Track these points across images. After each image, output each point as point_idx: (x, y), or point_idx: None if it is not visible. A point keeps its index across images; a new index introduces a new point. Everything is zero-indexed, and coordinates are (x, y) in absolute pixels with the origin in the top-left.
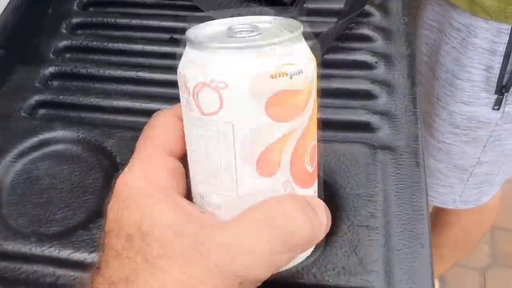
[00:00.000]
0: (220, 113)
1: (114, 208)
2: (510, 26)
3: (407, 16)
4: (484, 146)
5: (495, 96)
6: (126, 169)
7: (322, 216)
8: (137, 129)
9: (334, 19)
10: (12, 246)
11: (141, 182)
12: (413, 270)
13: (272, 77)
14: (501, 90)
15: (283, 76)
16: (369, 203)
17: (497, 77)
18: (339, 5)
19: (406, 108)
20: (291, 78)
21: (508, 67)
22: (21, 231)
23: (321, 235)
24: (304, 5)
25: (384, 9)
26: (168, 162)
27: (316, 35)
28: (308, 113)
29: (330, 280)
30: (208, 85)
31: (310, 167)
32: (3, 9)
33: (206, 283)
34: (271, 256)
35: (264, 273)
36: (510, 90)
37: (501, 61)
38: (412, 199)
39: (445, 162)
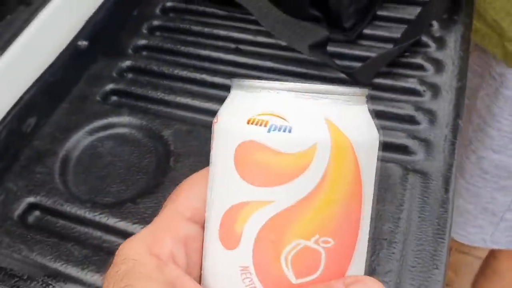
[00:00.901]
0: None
1: (110, 280)
2: None
3: (464, 51)
4: None
5: None
6: (133, 236)
7: None
8: (193, 124)
9: (390, 46)
10: (71, 208)
11: (140, 254)
12: (423, 286)
13: (248, 122)
14: None
15: (259, 124)
16: (392, 219)
17: None
18: (397, 34)
19: (445, 138)
20: (268, 131)
21: None
22: (79, 197)
23: None
24: (363, 31)
25: (441, 41)
26: (183, 229)
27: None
28: (301, 190)
29: None
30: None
31: (292, 274)
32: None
33: None
34: None
35: None
36: None
37: None
38: (435, 223)
39: (474, 204)
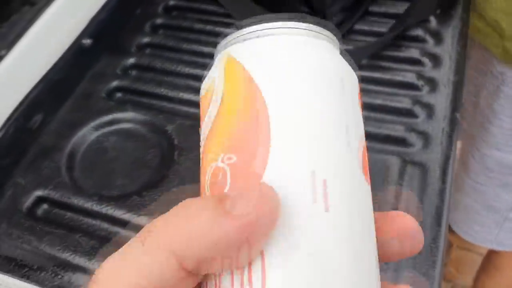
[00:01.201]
0: None
1: None
2: None
3: (461, 46)
4: None
5: None
6: (104, 262)
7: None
8: (195, 119)
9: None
10: (78, 201)
11: None
12: (421, 272)
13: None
14: None
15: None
16: (390, 209)
17: None
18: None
19: (443, 130)
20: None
21: None
22: (86, 191)
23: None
24: (354, 26)
25: (439, 36)
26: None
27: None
28: (210, 118)
29: None
30: None
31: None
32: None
33: None
34: None
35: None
36: None
37: None
38: (433, 212)
39: (479, 202)
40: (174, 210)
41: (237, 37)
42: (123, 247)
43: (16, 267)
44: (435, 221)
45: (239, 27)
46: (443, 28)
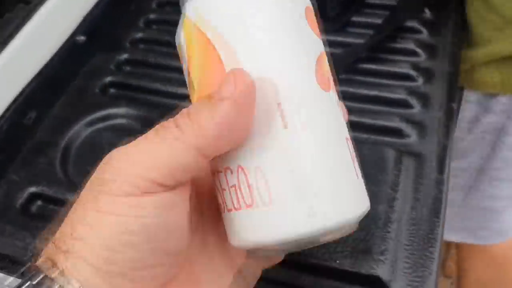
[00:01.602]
0: None
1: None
2: None
3: (456, 37)
4: None
5: None
6: (114, 150)
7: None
8: None
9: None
10: (72, 197)
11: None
12: (419, 264)
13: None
14: None
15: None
16: (387, 201)
17: None
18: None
19: (439, 120)
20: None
21: None
22: (81, 186)
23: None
24: (352, 19)
25: (433, 27)
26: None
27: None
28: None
29: (338, 261)
30: None
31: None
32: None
33: None
34: None
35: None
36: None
37: None
38: (430, 203)
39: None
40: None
41: None
42: (137, 139)
43: (10, 264)
44: (433, 212)
45: None
46: (438, 19)
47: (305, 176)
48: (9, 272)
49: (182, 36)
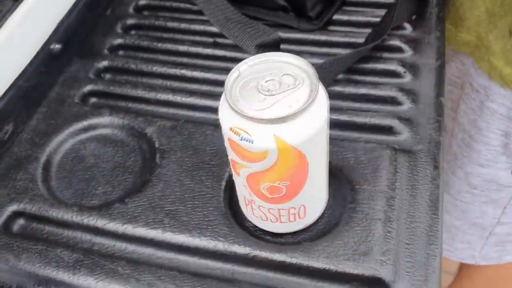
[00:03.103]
0: None
1: None
2: None
3: (440, 31)
4: (505, 207)
5: None
6: None
7: None
8: (176, 120)
9: (362, 30)
10: (57, 213)
11: None
12: (421, 263)
13: (230, 129)
14: None
15: (235, 133)
16: (385, 199)
17: None
18: (370, 18)
19: (429, 116)
20: (240, 140)
21: None
22: (65, 202)
23: None
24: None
25: (417, 22)
26: None
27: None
28: (264, 166)
29: (340, 265)
30: None
31: (268, 193)
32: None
33: None
34: None
35: None
36: None
37: None
38: (427, 199)
39: (462, 219)
40: None
41: (278, 118)
42: None
43: None
44: (431, 208)
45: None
46: (421, 15)
47: None
48: None
49: (269, 141)
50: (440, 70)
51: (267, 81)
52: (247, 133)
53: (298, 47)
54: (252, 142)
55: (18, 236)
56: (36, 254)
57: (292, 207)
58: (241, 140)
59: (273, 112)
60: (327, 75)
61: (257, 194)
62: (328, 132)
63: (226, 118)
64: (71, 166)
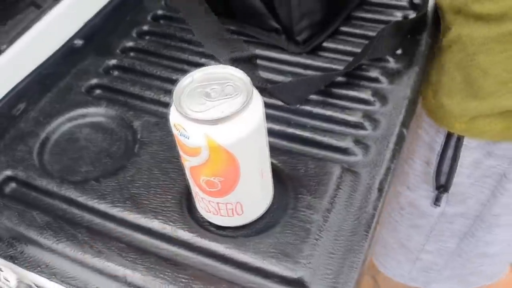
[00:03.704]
0: None
1: None
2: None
3: (420, 67)
4: (428, 236)
5: (435, 192)
6: None
7: None
8: (161, 117)
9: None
10: (42, 182)
11: None
12: (339, 272)
13: (173, 124)
14: (439, 188)
15: (176, 129)
16: (321, 211)
17: (434, 174)
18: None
19: (387, 144)
20: (179, 135)
21: (445, 168)
22: (52, 174)
23: None
24: (323, 44)
25: (400, 57)
26: None
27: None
28: (200, 160)
29: (264, 261)
30: None
31: (206, 187)
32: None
33: None
34: None
35: None
36: (451, 192)
37: (437, 159)
38: (361, 216)
39: (394, 238)
40: None
41: (208, 120)
42: None
43: None
44: (362, 225)
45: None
46: (405, 51)
47: None
48: None
49: (201, 138)
50: (409, 104)
51: (212, 88)
52: (184, 129)
53: (284, 67)
54: (188, 138)
55: (6, 197)
56: (16, 213)
57: (228, 203)
58: (180, 135)
59: (207, 115)
60: (295, 93)
61: (198, 186)
62: (264, 139)
63: (172, 115)
64: (65, 145)
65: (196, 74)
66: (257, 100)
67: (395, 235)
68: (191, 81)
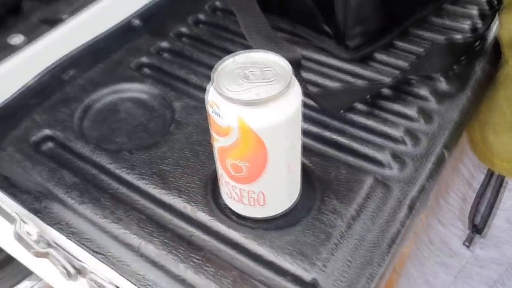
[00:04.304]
0: None
1: None
2: (487, 168)
3: (473, 92)
4: (455, 277)
5: (468, 232)
6: None
7: None
8: (200, 101)
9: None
10: (77, 145)
11: None
12: (354, 282)
13: (208, 102)
14: (473, 228)
15: (209, 106)
16: (345, 216)
17: (468, 213)
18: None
19: (425, 162)
20: (212, 112)
21: (482, 208)
22: (88, 139)
23: None
24: (374, 54)
25: (453, 78)
26: None
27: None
28: (229, 141)
29: (278, 257)
30: None
31: (232, 171)
32: None
33: None
34: None
35: None
36: (483, 234)
37: (474, 197)
38: (384, 231)
39: (419, 272)
40: None
41: (244, 101)
42: None
43: (6, 184)
44: (386, 240)
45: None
46: (461, 72)
47: None
48: (5, 191)
49: (233, 118)
50: (455, 127)
51: (251, 71)
52: (218, 107)
53: (331, 72)
54: (220, 116)
55: (41, 153)
56: (47, 169)
57: (251, 190)
58: (212, 112)
59: (242, 95)
60: (337, 101)
61: (224, 169)
62: (296, 132)
63: (209, 92)
64: (105, 114)
65: (238, 56)
66: (296, 91)
67: (421, 269)
68: (232, 61)
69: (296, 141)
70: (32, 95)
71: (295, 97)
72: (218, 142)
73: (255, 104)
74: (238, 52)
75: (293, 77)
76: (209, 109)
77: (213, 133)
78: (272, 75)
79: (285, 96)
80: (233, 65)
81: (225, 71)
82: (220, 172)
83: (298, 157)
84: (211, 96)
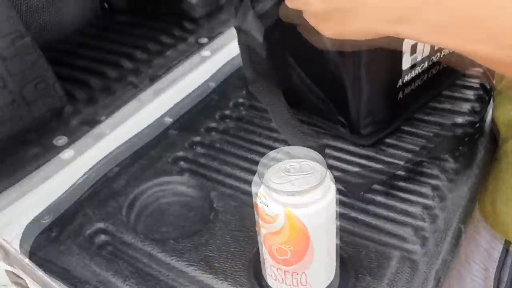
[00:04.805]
0: None
1: None
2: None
3: (480, 169)
4: None
5: None
6: None
7: None
8: (235, 190)
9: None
10: (128, 237)
11: None
12: None
13: (256, 194)
14: None
15: (257, 197)
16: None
17: (492, 282)
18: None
19: (445, 237)
20: (260, 202)
21: (504, 276)
22: (136, 230)
23: None
24: (385, 139)
25: (460, 157)
26: None
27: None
28: (275, 228)
29: None
30: None
31: (277, 255)
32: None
33: None
34: None
35: None
36: None
37: (496, 267)
38: None
39: None
40: None
41: (288, 192)
42: None
43: (68, 275)
44: None
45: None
46: (468, 151)
47: None
48: (67, 283)
49: (279, 207)
50: (467, 203)
51: (290, 165)
52: (265, 198)
53: (347, 156)
54: (267, 206)
55: (96, 245)
56: (104, 260)
57: (294, 272)
58: (260, 203)
59: (286, 187)
60: (361, 181)
61: (269, 253)
62: (333, 216)
63: (256, 185)
64: (150, 206)
65: (279, 152)
66: (330, 180)
67: None
68: (274, 157)
69: (333, 224)
70: (81, 193)
71: (330, 185)
72: (265, 229)
73: (299, 194)
74: (278, 149)
75: (326, 168)
76: (258, 200)
77: (260, 221)
78: (308, 167)
79: (323, 185)
80: (275, 160)
81: (269, 166)
82: (265, 256)
83: (334, 238)
84: (260, 189)
